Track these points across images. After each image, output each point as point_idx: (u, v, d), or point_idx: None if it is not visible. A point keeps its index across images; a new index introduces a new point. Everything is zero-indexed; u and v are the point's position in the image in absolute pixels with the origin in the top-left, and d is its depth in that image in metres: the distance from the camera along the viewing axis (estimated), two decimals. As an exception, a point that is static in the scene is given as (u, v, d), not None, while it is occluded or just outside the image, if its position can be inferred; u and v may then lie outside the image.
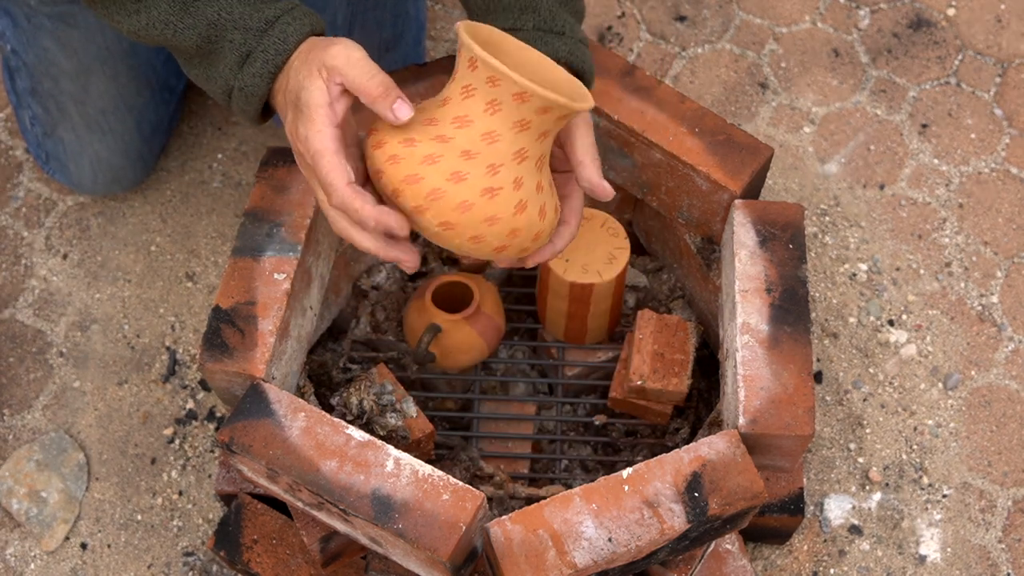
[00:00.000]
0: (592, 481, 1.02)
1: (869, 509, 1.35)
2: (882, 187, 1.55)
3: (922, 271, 1.49)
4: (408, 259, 0.95)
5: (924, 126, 1.60)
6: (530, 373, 1.38)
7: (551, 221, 0.95)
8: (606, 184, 0.98)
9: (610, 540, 0.98)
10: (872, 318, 1.46)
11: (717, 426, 1.13)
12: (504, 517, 1.00)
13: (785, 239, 1.13)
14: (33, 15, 1.36)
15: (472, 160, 0.89)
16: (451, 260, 1.36)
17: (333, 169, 0.90)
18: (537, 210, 0.93)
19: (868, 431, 1.39)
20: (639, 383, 1.21)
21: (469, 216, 0.90)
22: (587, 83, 1.05)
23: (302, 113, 0.92)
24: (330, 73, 0.91)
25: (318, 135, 0.91)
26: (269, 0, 0.97)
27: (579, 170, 0.98)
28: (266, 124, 1.60)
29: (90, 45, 1.38)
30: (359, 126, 0.98)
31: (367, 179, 0.96)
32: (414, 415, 1.17)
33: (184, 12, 0.96)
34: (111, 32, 1.38)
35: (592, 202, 1.29)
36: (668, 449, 1.19)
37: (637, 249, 1.39)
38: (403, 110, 0.90)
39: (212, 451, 1.39)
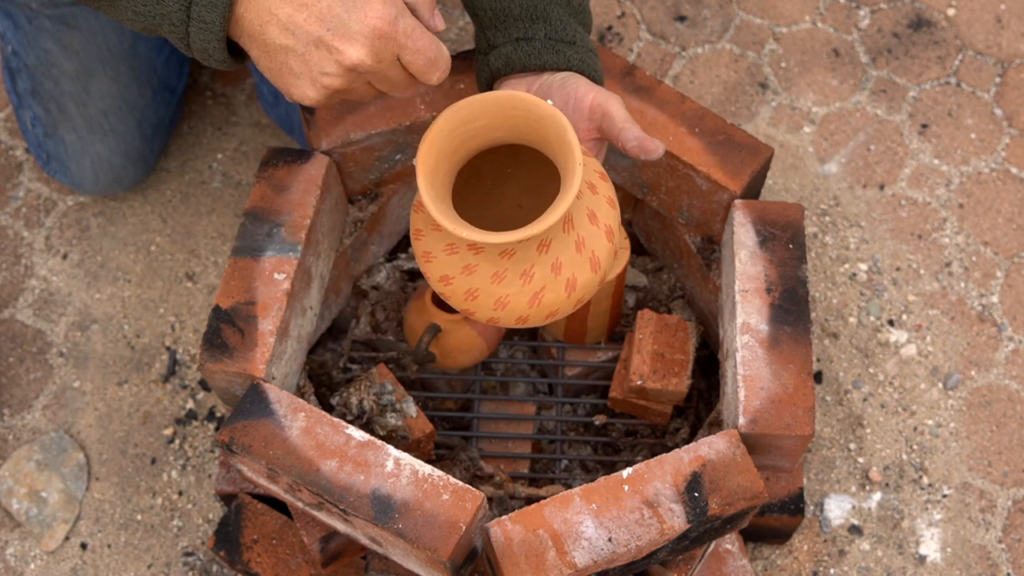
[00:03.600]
0: (592, 481, 1.02)
1: (869, 509, 1.35)
2: (882, 187, 1.55)
3: (922, 271, 1.49)
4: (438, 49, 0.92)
5: (924, 126, 1.60)
6: (530, 373, 1.38)
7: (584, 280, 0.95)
8: (655, 139, 0.98)
9: (610, 540, 0.98)
10: (872, 318, 1.46)
11: (717, 426, 1.13)
12: (504, 517, 1.00)
13: (785, 239, 1.13)
14: (34, 17, 1.36)
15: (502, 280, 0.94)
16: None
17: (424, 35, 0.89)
18: (564, 282, 0.94)
19: (868, 431, 1.39)
20: (639, 383, 1.21)
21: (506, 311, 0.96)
22: None
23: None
24: None
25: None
26: None
27: (623, 136, 0.98)
28: (264, 123, 1.59)
29: (91, 46, 1.38)
30: None
31: None
32: (414, 415, 1.17)
33: None
34: (112, 33, 1.38)
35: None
36: (668, 449, 1.19)
37: (637, 249, 1.39)
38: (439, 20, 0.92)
39: (212, 451, 1.39)
